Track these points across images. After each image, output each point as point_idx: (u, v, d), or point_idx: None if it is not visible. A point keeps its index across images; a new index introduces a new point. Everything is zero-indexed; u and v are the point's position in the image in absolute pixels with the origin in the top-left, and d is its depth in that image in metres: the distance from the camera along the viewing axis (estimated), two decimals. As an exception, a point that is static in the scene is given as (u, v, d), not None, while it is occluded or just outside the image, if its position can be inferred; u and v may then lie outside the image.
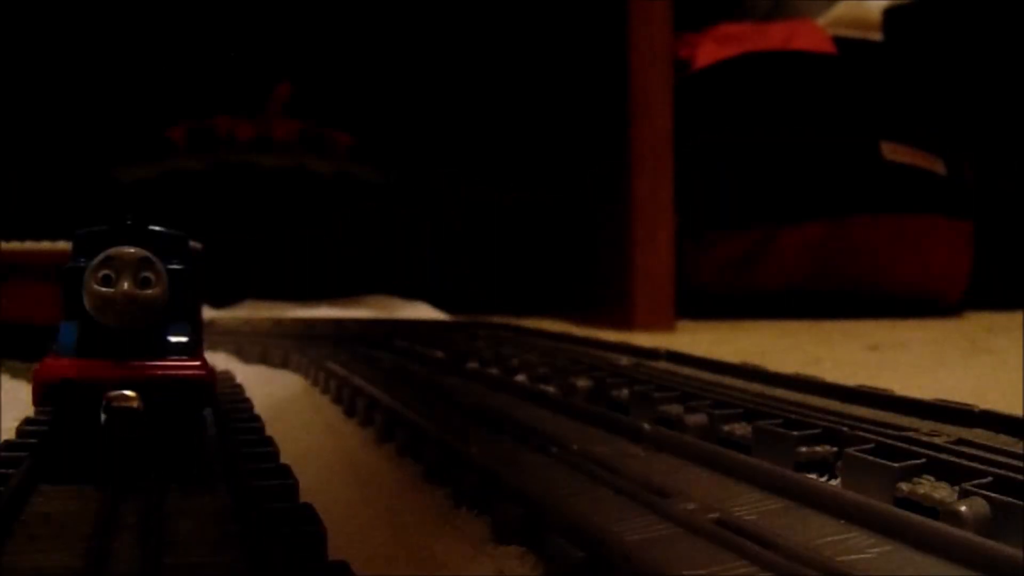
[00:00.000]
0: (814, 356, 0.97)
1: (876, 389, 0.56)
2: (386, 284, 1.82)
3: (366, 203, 1.88)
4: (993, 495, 0.34)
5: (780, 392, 0.59)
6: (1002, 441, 0.44)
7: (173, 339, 0.42)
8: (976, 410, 0.48)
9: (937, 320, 1.47)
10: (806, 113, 1.61)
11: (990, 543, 0.28)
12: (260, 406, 0.58)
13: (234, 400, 0.60)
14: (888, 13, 1.96)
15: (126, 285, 0.41)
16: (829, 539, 0.31)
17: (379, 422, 0.56)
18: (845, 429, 0.46)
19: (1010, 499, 0.34)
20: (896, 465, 0.39)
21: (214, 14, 1.86)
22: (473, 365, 0.86)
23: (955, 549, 0.29)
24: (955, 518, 0.34)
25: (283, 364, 0.93)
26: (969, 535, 0.29)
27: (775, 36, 1.86)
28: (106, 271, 0.41)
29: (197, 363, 0.41)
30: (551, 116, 1.67)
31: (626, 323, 1.33)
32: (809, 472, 0.45)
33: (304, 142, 1.91)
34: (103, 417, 0.39)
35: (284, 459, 0.42)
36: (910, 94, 1.68)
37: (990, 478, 0.36)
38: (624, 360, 0.77)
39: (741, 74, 1.70)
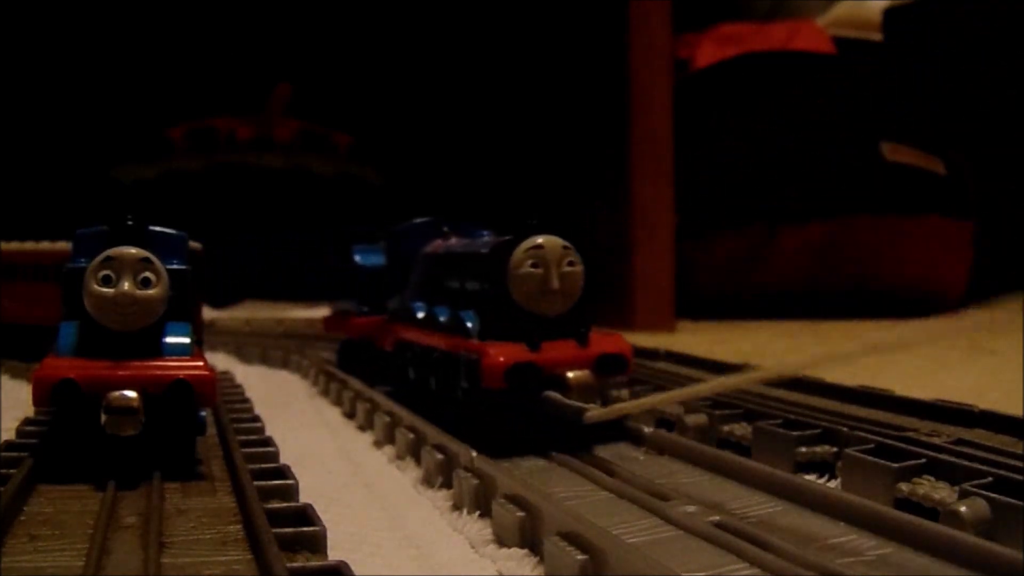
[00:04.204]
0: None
1: (876, 389, 0.56)
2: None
3: (366, 203, 1.88)
4: (993, 495, 0.34)
5: (780, 392, 0.59)
6: (1002, 441, 0.44)
7: (173, 339, 0.42)
8: (976, 410, 0.48)
9: (937, 320, 1.47)
10: (806, 113, 1.61)
11: (990, 545, 0.28)
12: (260, 407, 0.58)
13: (234, 400, 0.60)
14: (888, 13, 1.96)
15: (126, 285, 0.41)
16: (829, 541, 0.31)
17: (379, 424, 0.56)
18: (845, 429, 0.46)
19: (1010, 500, 0.34)
20: (896, 465, 0.39)
21: (214, 15, 1.86)
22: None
23: (955, 551, 0.29)
24: (955, 518, 0.34)
25: (283, 365, 0.93)
26: (969, 537, 0.29)
27: (775, 36, 1.85)
28: (106, 271, 0.41)
29: (197, 363, 0.41)
30: (550, 116, 1.66)
31: (626, 323, 1.33)
32: (809, 472, 0.45)
33: (304, 142, 1.91)
34: (103, 417, 0.39)
35: (284, 459, 0.42)
36: (910, 94, 1.68)
37: (990, 478, 0.36)
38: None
39: (741, 74, 1.70)
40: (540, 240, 0.48)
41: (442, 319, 0.53)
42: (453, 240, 0.61)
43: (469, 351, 0.48)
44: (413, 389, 0.59)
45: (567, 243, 0.48)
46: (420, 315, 0.57)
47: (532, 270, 0.47)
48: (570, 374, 0.46)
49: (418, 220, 0.66)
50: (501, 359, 0.45)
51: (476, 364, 0.46)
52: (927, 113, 1.66)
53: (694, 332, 1.30)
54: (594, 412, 0.43)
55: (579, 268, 0.48)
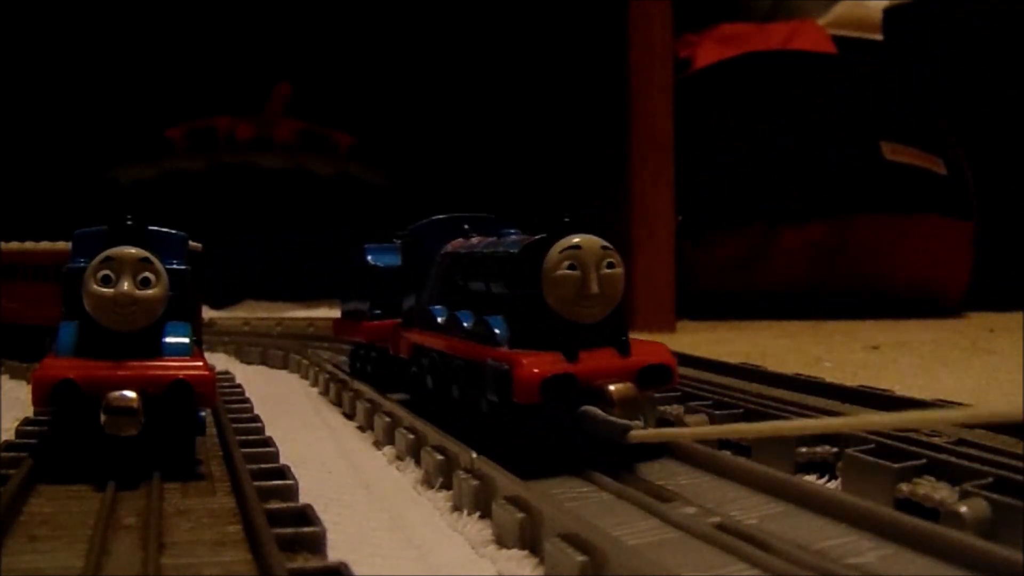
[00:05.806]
0: (814, 356, 0.97)
1: (876, 389, 0.56)
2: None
3: (366, 203, 1.89)
4: (994, 496, 0.34)
5: (780, 392, 0.59)
6: (1002, 441, 0.44)
7: (173, 339, 0.42)
8: (976, 411, 0.48)
9: (937, 320, 1.47)
10: (806, 113, 1.61)
11: (990, 546, 0.28)
12: (260, 407, 0.58)
13: (234, 400, 0.60)
14: (888, 13, 1.96)
15: (126, 285, 0.41)
16: (829, 543, 0.31)
17: (379, 425, 0.56)
18: (845, 429, 0.46)
19: (1011, 500, 0.34)
20: (896, 465, 0.39)
21: (214, 15, 1.86)
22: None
23: (955, 551, 0.29)
24: (956, 519, 0.34)
25: (283, 365, 0.93)
26: (969, 537, 0.29)
27: (775, 36, 1.85)
28: (106, 271, 0.41)
29: (197, 363, 0.41)
30: (551, 115, 1.67)
31: (626, 323, 1.33)
32: (809, 473, 0.45)
33: (304, 142, 1.91)
34: (103, 417, 0.39)
35: (283, 460, 0.42)
36: (910, 94, 1.68)
37: (991, 478, 0.36)
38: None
39: (741, 74, 1.70)
40: (577, 239, 0.42)
41: (466, 324, 0.47)
42: (476, 239, 0.55)
43: (498, 360, 0.42)
44: (430, 399, 0.54)
45: (606, 243, 0.43)
46: (440, 319, 0.52)
47: (568, 272, 0.42)
48: (612, 387, 0.40)
49: (436, 217, 0.60)
50: (536, 370, 0.40)
51: (507, 375, 0.41)
52: (927, 113, 1.66)
53: (694, 332, 1.30)
54: (639, 432, 0.39)
55: (619, 270, 0.43)
